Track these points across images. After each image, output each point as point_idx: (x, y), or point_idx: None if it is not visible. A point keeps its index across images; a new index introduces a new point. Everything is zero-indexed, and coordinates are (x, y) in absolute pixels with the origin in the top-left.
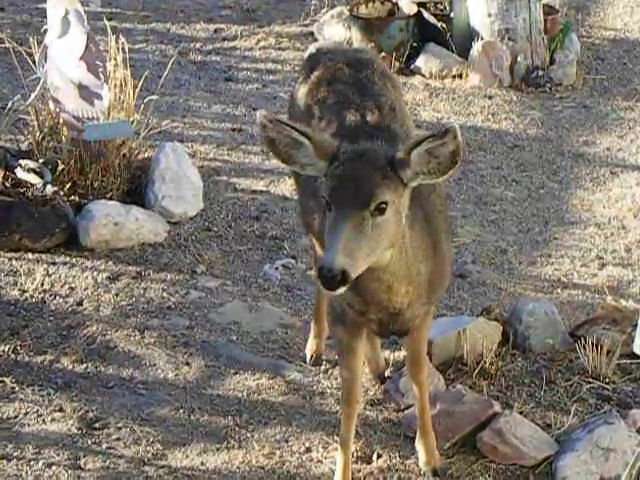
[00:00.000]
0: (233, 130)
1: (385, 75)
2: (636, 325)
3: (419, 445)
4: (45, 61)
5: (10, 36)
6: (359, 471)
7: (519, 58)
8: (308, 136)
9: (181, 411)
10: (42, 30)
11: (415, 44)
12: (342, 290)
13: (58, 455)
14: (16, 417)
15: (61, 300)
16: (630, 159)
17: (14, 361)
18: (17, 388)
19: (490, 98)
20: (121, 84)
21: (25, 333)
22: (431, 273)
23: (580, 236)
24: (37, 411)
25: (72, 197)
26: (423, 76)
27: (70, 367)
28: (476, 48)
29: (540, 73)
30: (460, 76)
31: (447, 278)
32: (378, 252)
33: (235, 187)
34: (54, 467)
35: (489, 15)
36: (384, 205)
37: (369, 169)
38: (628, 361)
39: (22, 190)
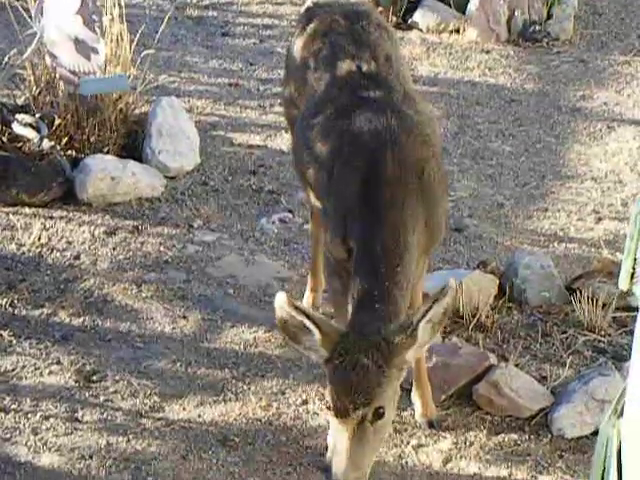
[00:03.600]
0: (230, 85)
1: (381, 26)
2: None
3: (415, 397)
4: (41, 16)
5: None
6: None
7: (516, 13)
8: (318, 325)
9: (178, 364)
10: None
11: None
12: None
13: (55, 408)
14: (13, 370)
15: (58, 254)
16: (627, 113)
17: (11, 315)
18: (14, 341)
19: (487, 53)
20: (117, 39)
21: (22, 287)
22: (427, 236)
23: (577, 190)
24: (35, 364)
25: (69, 152)
26: (420, 31)
27: (67, 320)
28: (473, 3)
29: (537, 28)
30: (457, 31)
31: (443, 232)
32: (381, 445)
33: (232, 141)
34: (52, 419)
35: None
36: (382, 409)
37: (366, 373)
38: (623, 314)
39: (19, 145)
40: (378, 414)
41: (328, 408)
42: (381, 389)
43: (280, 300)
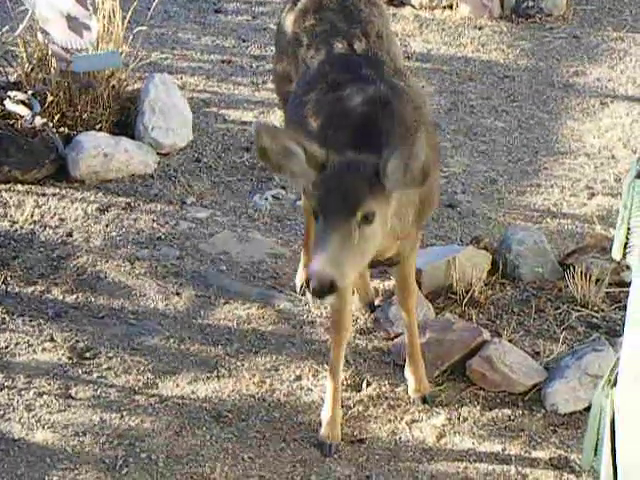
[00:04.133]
0: (222, 62)
1: (372, 3)
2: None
3: (408, 373)
4: None
5: None
6: (349, 399)
7: None
8: (302, 146)
9: (171, 340)
10: None
11: None
12: (331, 299)
13: (49, 384)
14: (7, 347)
15: (51, 231)
16: (620, 89)
17: (4, 292)
18: (7, 319)
19: (480, 29)
20: (110, 15)
21: (15, 264)
22: (419, 209)
23: (570, 166)
24: (28, 341)
25: (61, 128)
26: (413, 7)
27: (60, 297)
28: None
29: (530, 4)
30: (450, 7)
31: (435, 206)
32: (366, 259)
33: (225, 118)
34: (45, 396)
35: None
36: (371, 215)
37: (356, 180)
38: (616, 289)
39: (11, 122)
40: (366, 218)
41: (316, 211)
42: (372, 193)
43: (258, 129)
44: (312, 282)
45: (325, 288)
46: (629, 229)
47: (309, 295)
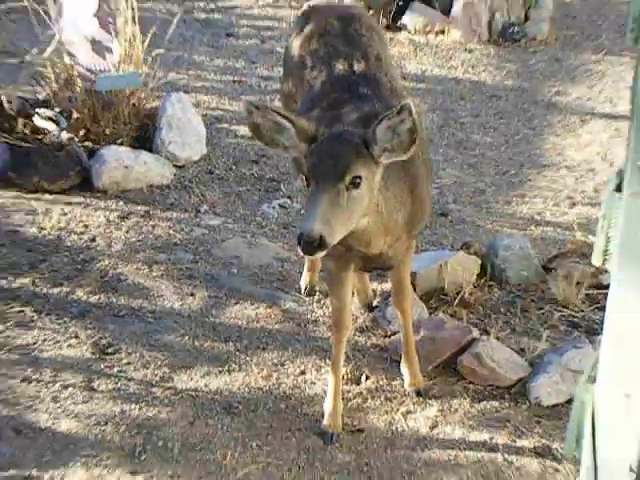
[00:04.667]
0: (234, 82)
1: (372, 28)
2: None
3: (404, 368)
4: (60, 18)
5: None
6: (349, 392)
7: (497, 15)
8: (290, 120)
9: (186, 337)
10: None
11: (401, 2)
12: (320, 254)
13: (74, 378)
14: (35, 343)
15: (76, 237)
16: (598, 107)
17: (33, 293)
18: (36, 317)
19: (470, 52)
20: (130, 39)
21: (43, 267)
22: (410, 216)
23: (552, 178)
24: (54, 338)
25: (86, 143)
26: (409, 32)
27: (84, 298)
28: (457, 6)
29: (516, 29)
30: (442, 32)
31: (427, 215)
32: (353, 221)
33: (235, 134)
34: (70, 389)
35: None
36: (358, 179)
37: (344, 147)
38: (595, 291)
39: (40, 137)
40: (354, 183)
41: (307, 177)
42: (359, 160)
43: (248, 107)
44: (303, 239)
45: (315, 243)
46: (608, 238)
47: (300, 251)
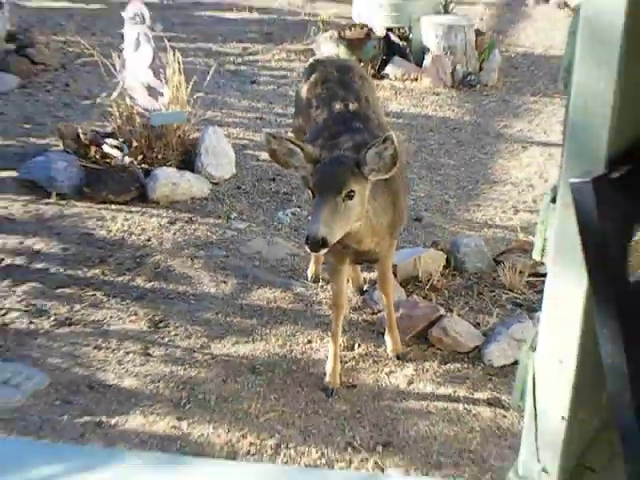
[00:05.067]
0: (256, 118)
1: (363, 77)
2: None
3: (387, 337)
4: (124, 69)
5: (99, 52)
6: (345, 356)
7: (458, 66)
8: (300, 147)
9: (220, 315)
10: (121, 47)
11: (385, 57)
12: (323, 251)
13: (134, 346)
14: (104, 319)
15: (135, 237)
16: (536, 137)
17: (102, 280)
18: (105, 299)
19: (437, 95)
20: (177, 85)
21: (110, 261)
22: (392, 221)
23: (500, 192)
24: (118, 315)
25: (143, 165)
26: (390, 79)
27: (142, 284)
28: (427, 60)
29: (472, 77)
30: (416, 79)
31: (405, 221)
32: (348, 225)
33: (257, 158)
34: (131, 354)
35: (436, 36)
36: (352, 193)
37: (341, 168)
38: (534, 278)
39: (108, 160)
40: (349, 196)
41: (312, 191)
42: (353, 177)
43: (267, 138)
44: (310, 239)
45: (319, 243)
46: (545, 238)
47: (307, 248)
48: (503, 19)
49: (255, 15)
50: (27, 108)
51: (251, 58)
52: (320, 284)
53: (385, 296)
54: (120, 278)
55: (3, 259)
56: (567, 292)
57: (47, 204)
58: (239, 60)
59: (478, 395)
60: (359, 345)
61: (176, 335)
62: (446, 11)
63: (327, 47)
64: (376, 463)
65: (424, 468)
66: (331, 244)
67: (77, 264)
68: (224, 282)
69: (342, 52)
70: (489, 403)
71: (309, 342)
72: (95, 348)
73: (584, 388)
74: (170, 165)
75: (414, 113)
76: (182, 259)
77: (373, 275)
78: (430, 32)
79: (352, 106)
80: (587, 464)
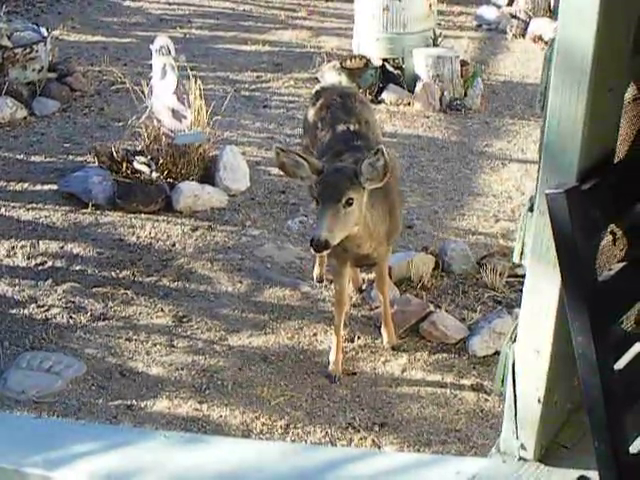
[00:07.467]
0: (268, 138)
1: (362, 102)
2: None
3: (383, 330)
4: (151, 94)
5: (130, 80)
6: (346, 347)
7: (445, 93)
8: (305, 159)
9: (236, 311)
10: (149, 76)
11: (381, 84)
12: (326, 252)
13: (160, 338)
14: (134, 315)
15: (161, 243)
16: (514, 155)
17: (132, 280)
18: (135, 297)
19: (427, 117)
20: (198, 109)
21: (139, 263)
22: (388, 229)
23: (483, 203)
24: (147, 312)
25: (168, 179)
26: (386, 104)
27: (167, 284)
28: (419, 86)
29: (458, 102)
30: (409, 104)
31: (399, 229)
32: (348, 229)
33: (269, 173)
34: (158, 345)
35: (427, 66)
36: (351, 200)
37: (341, 179)
38: (513, 279)
39: (137, 175)
40: (348, 203)
41: (317, 200)
42: (352, 186)
43: (277, 151)
44: (314, 242)
45: (322, 245)
46: (523, 243)
47: (311, 250)
48: (485, 51)
49: (267, 47)
50: (67, 129)
51: (263, 85)
52: (324, 284)
53: (381, 294)
54: (148, 279)
55: (46, 262)
56: (543, 290)
57: (84, 214)
58: (253, 87)
59: (463, 381)
60: (359, 337)
61: (197, 329)
62: (435, 44)
63: (330, 76)
64: (373, 441)
65: (416, 446)
66: (332, 245)
67: (110, 266)
68: (240, 282)
69: (344, 80)
70: (473, 388)
71: (315, 335)
72: (126, 340)
73: (558, 374)
74: (192, 179)
75: (407, 134)
76: (203, 262)
77: (371, 276)
78: (421, 62)
79: (353, 127)
80: (561, 442)
